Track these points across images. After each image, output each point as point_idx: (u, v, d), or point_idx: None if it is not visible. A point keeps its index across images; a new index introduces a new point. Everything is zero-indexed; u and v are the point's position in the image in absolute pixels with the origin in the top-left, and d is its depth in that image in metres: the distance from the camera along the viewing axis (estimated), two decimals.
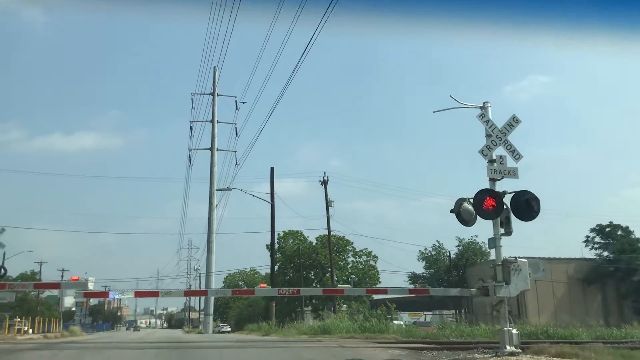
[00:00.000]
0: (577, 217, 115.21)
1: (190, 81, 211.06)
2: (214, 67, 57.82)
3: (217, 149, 55.94)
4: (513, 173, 12.36)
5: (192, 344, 20.19)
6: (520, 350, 11.20)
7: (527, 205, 11.86)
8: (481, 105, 13.04)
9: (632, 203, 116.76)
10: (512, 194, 12.02)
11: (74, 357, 13.22)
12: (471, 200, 12.28)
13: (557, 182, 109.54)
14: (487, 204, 11.77)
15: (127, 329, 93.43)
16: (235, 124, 56.41)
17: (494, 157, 12.47)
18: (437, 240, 61.15)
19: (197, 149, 58.79)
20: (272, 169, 40.21)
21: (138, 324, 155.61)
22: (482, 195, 11.84)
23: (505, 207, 11.94)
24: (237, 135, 56.13)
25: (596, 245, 51.44)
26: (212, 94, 57.28)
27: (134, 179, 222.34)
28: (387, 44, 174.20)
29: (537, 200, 11.89)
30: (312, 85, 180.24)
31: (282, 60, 42.09)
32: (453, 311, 56.12)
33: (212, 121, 56.67)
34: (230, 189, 44.54)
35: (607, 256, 50.00)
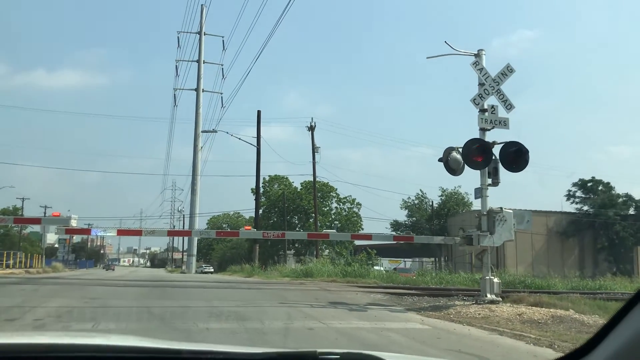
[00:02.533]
0: (560, 171, 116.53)
1: (176, 18, 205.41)
2: (202, 4, 56.18)
3: (203, 90, 55.00)
4: (504, 123, 12.23)
5: (176, 282, 20.32)
6: (500, 299, 11.37)
7: (515, 157, 11.79)
8: (475, 52, 12.76)
9: (617, 160, 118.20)
10: (502, 145, 11.92)
11: (55, 292, 13.21)
12: (460, 150, 12.18)
13: (542, 137, 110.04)
14: (476, 155, 11.69)
15: (104, 268, 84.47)
16: (222, 65, 55.32)
17: (486, 107, 12.30)
18: (420, 190, 61.72)
19: (183, 89, 57.77)
20: (258, 112, 39.77)
21: (120, 262, 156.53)
22: (471, 144, 11.74)
23: (494, 157, 11.87)
24: (223, 76, 55.31)
25: (577, 200, 52.18)
26: (199, 32, 55.81)
27: (117, 117, 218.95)
28: None
29: (526, 151, 11.80)
30: (301, 29, 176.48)
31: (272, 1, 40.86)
32: (433, 259, 57.17)
33: (198, 61, 55.46)
34: (216, 131, 44.08)
35: (587, 210, 50.82)
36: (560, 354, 1.45)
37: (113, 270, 68.68)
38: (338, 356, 1.83)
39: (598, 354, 1.19)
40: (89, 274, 35.02)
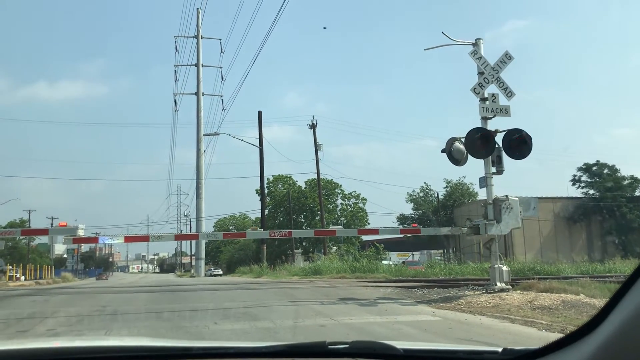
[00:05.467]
0: (565, 157, 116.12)
1: (173, 23, 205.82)
2: (197, 8, 56.32)
3: (203, 94, 55.19)
4: (505, 111, 12.21)
5: (186, 286, 20.37)
6: (510, 287, 11.36)
7: (518, 144, 11.77)
8: (473, 42, 12.74)
9: (621, 142, 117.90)
10: (504, 133, 11.90)
11: (67, 302, 13.27)
12: (462, 140, 12.17)
13: (544, 124, 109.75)
14: (479, 144, 11.67)
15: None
16: (221, 67, 55.51)
17: (486, 95, 12.29)
18: (425, 182, 61.62)
19: (183, 93, 58.10)
20: (259, 112, 39.77)
21: (130, 269, 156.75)
22: (474, 133, 11.72)
23: (497, 145, 11.85)
24: (222, 79, 55.56)
25: (583, 184, 52.01)
26: (196, 36, 55.91)
27: (120, 125, 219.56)
28: None
29: (529, 138, 11.77)
30: (298, 27, 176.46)
31: (267, 1, 40.87)
32: (441, 250, 57.12)
33: (196, 65, 55.59)
34: (218, 134, 44.03)
35: (592, 194, 50.64)
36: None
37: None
38: (347, 345, 1.84)
39: (602, 331, 1.19)
40: (98, 283, 35.13)
